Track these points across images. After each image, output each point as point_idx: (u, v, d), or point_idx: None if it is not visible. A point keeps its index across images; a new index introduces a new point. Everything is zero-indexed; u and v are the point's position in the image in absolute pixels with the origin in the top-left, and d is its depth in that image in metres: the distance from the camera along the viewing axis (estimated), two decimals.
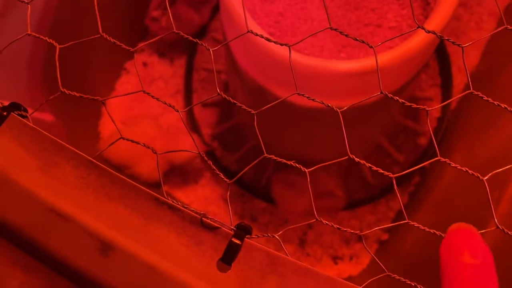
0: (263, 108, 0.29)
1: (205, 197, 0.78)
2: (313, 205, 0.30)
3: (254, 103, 0.61)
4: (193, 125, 0.79)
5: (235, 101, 0.28)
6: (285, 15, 0.50)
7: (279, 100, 0.29)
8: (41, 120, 0.64)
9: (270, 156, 0.29)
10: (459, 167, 0.25)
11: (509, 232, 0.24)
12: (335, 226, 0.27)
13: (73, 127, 0.75)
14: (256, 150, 0.76)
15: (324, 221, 0.28)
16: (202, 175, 0.78)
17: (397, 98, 0.26)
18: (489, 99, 0.25)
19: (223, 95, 0.29)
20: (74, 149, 0.28)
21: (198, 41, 0.30)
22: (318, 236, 0.74)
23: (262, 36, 0.28)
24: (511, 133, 0.53)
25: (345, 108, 0.28)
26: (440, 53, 0.76)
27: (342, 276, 0.72)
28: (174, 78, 0.82)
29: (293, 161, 0.31)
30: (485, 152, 0.60)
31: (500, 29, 0.28)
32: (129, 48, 0.30)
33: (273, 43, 0.28)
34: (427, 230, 0.26)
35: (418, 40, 0.42)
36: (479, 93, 0.26)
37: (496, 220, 0.25)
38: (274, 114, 0.56)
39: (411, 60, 0.42)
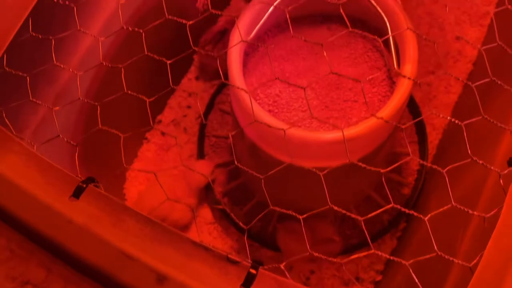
0: (270, 173, 0.40)
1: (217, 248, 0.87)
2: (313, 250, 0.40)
3: (257, 163, 0.72)
4: (207, 184, 0.90)
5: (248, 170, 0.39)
6: (280, 96, 0.63)
7: (283, 165, 0.41)
8: None
9: (274, 207, 0.40)
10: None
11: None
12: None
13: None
14: (262, 204, 0.87)
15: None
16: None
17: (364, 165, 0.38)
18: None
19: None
20: (135, 209, 0.40)
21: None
22: (319, 280, 0.83)
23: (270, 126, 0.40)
24: (471, 182, 0.64)
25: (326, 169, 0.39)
26: (415, 115, 0.88)
27: None
28: (188, 144, 0.95)
29: (291, 210, 0.42)
30: (454, 196, 0.71)
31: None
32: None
33: (273, 122, 0.40)
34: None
35: (385, 114, 0.54)
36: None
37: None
38: (276, 173, 0.68)
39: (380, 129, 0.54)
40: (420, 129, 0.88)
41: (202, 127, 0.94)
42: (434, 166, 0.40)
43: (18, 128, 0.62)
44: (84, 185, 0.40)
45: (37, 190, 0.40)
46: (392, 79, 0.63)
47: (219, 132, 0.94)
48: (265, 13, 0.62)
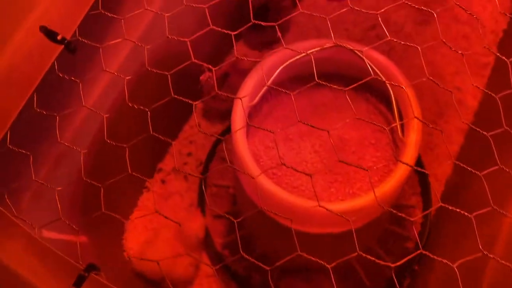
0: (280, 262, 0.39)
1: None
2: None
3: (259, 216, 0.71)
4: (206, 235, 0.89)
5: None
6: (284, 159, 0.62)
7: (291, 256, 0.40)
8: (79, 242, 0.74)
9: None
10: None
11: None
12: None
13: (101, 242, 0.85)
14: (263, 257, 0.85)
15: None
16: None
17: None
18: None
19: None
20: None
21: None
22: None
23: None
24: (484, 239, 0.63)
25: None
26: (418, 166, 0.88)
27: None
28: (188, 192, 0.94)
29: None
30: (461, 252, 0.70)
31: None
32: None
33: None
34: None
35: (390, 184, 0.54)
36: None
37: None
38: (279, 234, 0.67)
39: (385, 199, 0.54)
40: (423, 181, 0.87)
41: (203, 175, 0.93)
42: (440, 258, 0.39)
43: (18, 190, 0.61)
44: (86, 274, 0.39)
45: (38, 279, 0.39)
46: (396, 142, 0.63)
47: (220, 181, 0.93)
48: (271, 77, 0.62)
